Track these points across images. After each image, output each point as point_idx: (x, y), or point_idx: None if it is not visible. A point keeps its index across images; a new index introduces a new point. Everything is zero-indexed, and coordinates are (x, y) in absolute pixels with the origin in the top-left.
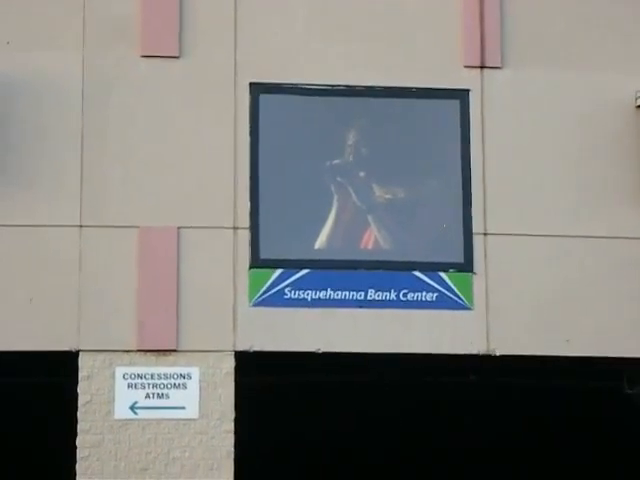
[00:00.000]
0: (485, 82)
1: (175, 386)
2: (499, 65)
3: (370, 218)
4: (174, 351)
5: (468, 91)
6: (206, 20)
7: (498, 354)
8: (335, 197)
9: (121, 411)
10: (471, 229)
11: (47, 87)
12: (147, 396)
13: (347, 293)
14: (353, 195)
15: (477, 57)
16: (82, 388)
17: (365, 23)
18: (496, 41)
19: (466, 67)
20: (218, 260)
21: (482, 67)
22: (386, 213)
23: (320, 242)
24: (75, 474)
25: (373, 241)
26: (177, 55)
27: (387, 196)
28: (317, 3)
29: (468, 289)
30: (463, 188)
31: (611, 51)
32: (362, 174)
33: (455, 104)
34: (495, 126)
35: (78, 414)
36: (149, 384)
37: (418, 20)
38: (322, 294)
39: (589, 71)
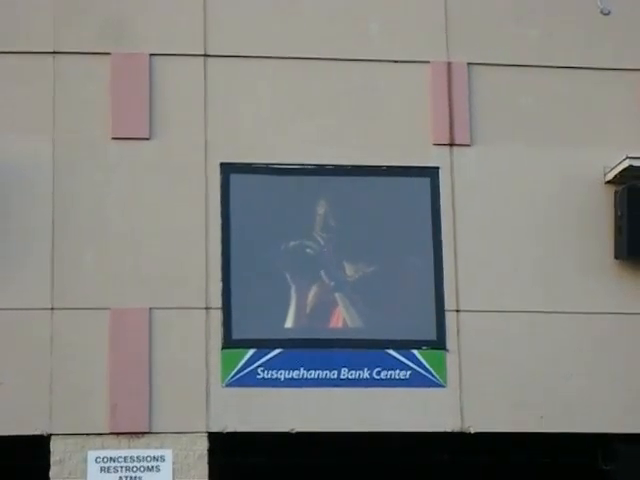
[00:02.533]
0: (454, 159)
1: (148, 469)
2: (468, 142)
3: (341, 297)
4: (147, 433)
5: (438, 169)
6: (176, 101)
7: (472, 432)
8: (307, 277)
9: None
10: (443, 306)
11: (18, 170)
12: (120, 479)
13: (320, 372)
14: (325, 274)
15: (446, 135)
16: (54, 472)
17: (335, 102)
18: (465, 119)
19: (435, 145)
20: (190, 340)
21: (451, 145)
22: (358, 291)
23: (292, 322)
24: None
25: (345, 320)
26: (147, 137)
27: (358, 274)
28: (287, 83)
29: (441, 367)
30: (435, 265)
31: (579, 127)
32: (333, 252)
33: (425, 182)
34: (465, 203)
35: None
36: (122, 467)
37: (387, 98)
38: (295, 374)
39: (558, 147)
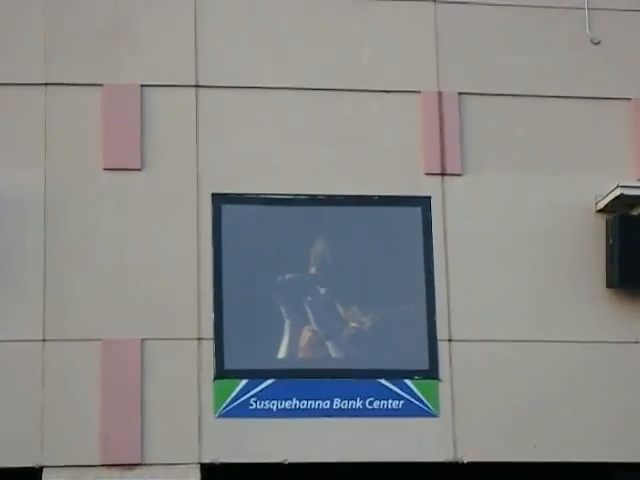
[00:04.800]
0: (446, 189)
1: None
2: (459, 172)
3: (338, 327)
4: (139, 465)
5: (429, 198)
6: (167, 132)
7: (465, 461)
8: (299, 307)
9: None
10: (436, 336)
11: (9, 201)
12: None
13: (313, 402)
14: (316, 304)
15: (437, 164)
16: None
17: (327, 132)
18: (456, 148)
19: (427, 174)
20: (182, 371)
21: (443, 174)
22: (352, 321)
23: (285, 352)
24: None
25: (337, 350)
26: (139, 168)
27: (351, 304)
28: (278, 113)
29: (434, 396)
30: (427, 294)
31: (570, 156)
32: (325, 283)
33: (417, 211)
34: (457, 232)
35: None
36: None
37: (379, 128)
38: (288, 404)
39: (549, 175)
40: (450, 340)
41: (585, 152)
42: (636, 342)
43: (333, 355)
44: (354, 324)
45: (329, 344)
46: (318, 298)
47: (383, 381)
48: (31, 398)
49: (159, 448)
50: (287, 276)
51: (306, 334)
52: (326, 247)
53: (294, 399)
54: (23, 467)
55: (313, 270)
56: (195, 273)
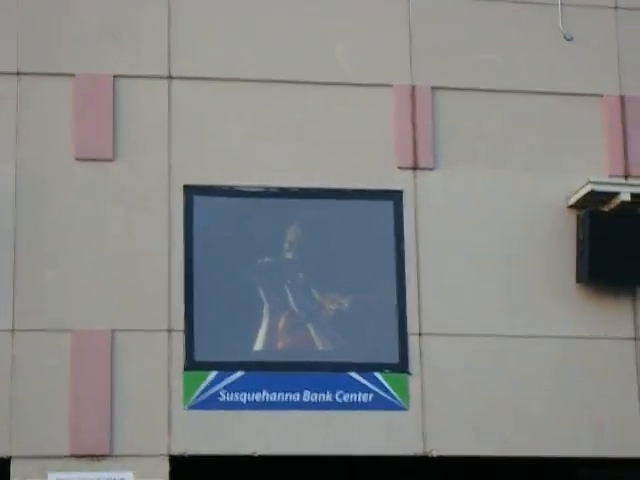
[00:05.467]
0: (418, 183)
1: None
2: (432, 166)
3: (306, 320)
4: (108, 456)
5: (401, 192)
6: (140, 123)
7: (435, 455)
8: (268, 299)
9: None
10: (406, 329)
11: None
12: None
13: (283, 395)
14: (287, 297)
15: (410, 158)
16: None
17: (299, 125)
18: (428, 142)
19: (399, 168)
20: (152, 363)
21: (415, 168)
22: (319, 314)
23: (255, 344)
24: None
25: (308, 343)
26: (111, 158)
27: (320, 297)
28: (251, 106)
29: (404, 389)
30: (398, 288)
31: (542, 151)
32: (296, 276)
33: (389, 205)
34: (429, 226)
35: None
36: None
37: (351, 122)
38: (257, 396)
39: (521, 171)
40: (420, 334)
41: (557, 148)
42: (605, 337)
43: (303, 347)
44: (323, 317)
45: (299, 335)
46: (288, 288)
47: (353, 374)
48: (0, 388)
49: (128, 439)
50: (258, 267)
51: (276, 325)
52: (297, 240)
53: (264, 391)
54: None
55: (283, 261)
56: (166, 264)
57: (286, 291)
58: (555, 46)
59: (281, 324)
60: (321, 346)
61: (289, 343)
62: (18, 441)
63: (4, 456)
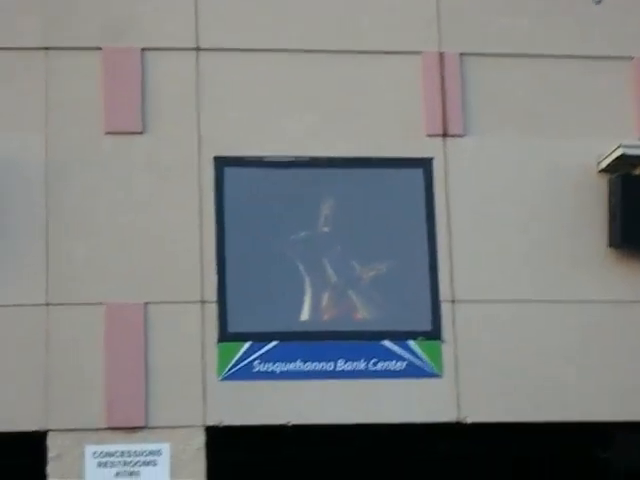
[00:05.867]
0: (448, 150)
1: (145, 463)
2: (461, 133)
3: (340, 289)
4: (143, 428)
5: (431, 159)
6: (169, 95)
7: (469, 422)
8: (300, 268)
9: None
10: (438, 297)
11: (9, 167)
12: (117, 474)
13: (317, 364)
14: (320, 266)
15: (439, 126)
16: (51, 468)
17: (328, 94)
18: (458, 109)
19: (428, 136)
20: (186, 334)
21: (444, 135)
22: (353, 283)
23: (288, 314)
24: None
25: (339, 312)
26: (141, 131)
27: (353, 267)
28: (279, 76)
29: (437, 357)
30: (429, 256)
31: (572, 116)
32: (328, 245)
33: (419, 173)
34: (459, 193)
35: None
36: (119, 462)
37: (380, 90)
38: (291, 366)
39: (551, 136)
40: (453, 301)
41: (587, 112)
42: (637, 300)
43: (337, 317)
44: (356, 286)
45: (333, 304)
46: (321, 258)
47: (386, 342)
48: (35, 362)
49: (163, 411)
50: (288, 237)
51: (309, 294)
52: (328, 209)
53: (298, 361)
54: (28, 431)
55: (314, 231)
56: (198, 236)
57: (320, 260)
58: (584, 9)
59: (315, 295)
60: (355, 315)
61: (323, 313)
62: (54, 414)
63: (41, 429)
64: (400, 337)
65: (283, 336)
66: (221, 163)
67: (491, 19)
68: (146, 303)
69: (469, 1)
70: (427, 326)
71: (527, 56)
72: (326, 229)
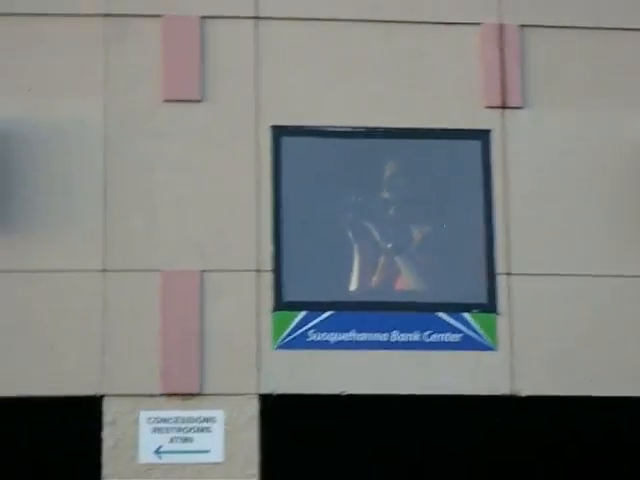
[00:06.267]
0: (506, 122)
1: (199, 430)
2: (520, 105)
3: (395, 260)
4: (198, 395)
5: (489, 131)
6: (227, 64)
7: (524, 395)
8: (358, 239)
9: (145, 456)
10: (494, 269)
11: (68, 133)
12: (172, 440)
13: (371, 335)
14: (376, 237)
15: (498, 97)
16: (106, 433)
17: (385, 65)
18: (517, 81)
19: (487, 108)
20: (241, 303)
21: (503, 107)
22: (409, 255)
23: (344, 284)
24: None
25: (396, 283)
26: (199, 99)
27: (409, 238)
28: (338, 46)
29: (492, 330)
30: (486, 228)
31: (635, 90)
32: (386, 216)
33: (477, 144)
34: (517, 165)
35: (102, 459)
36: (173, 428)
37: (438, 61)
38: (346, 336)
39: (612, 109)
40: (509, 274)
41: None
42: None
43: (393, 288)
44: (412, 257)
45: (389, 275)
46: (378, 229)
47: (442, 314)
48: (91, 327)
49: (218, 379)
50: (345, 207)
51: (366, 265)
52: (385, 180)
53: (352, 331)
54: (84, 395)
55: (372, 202)
56: (254, 205)
57: (376, 232)
58: None
59: (371, 265)
60: (409, 286)
61: (379, 284)
62: (110, 380)
63: (96, 394)
64: (455, 309)
65: (338, 306)
66: (278, 132)
67: None
68: (202, 271)
69: None
70: (482, 299)
71: (588, 28)
72: (382, 200)
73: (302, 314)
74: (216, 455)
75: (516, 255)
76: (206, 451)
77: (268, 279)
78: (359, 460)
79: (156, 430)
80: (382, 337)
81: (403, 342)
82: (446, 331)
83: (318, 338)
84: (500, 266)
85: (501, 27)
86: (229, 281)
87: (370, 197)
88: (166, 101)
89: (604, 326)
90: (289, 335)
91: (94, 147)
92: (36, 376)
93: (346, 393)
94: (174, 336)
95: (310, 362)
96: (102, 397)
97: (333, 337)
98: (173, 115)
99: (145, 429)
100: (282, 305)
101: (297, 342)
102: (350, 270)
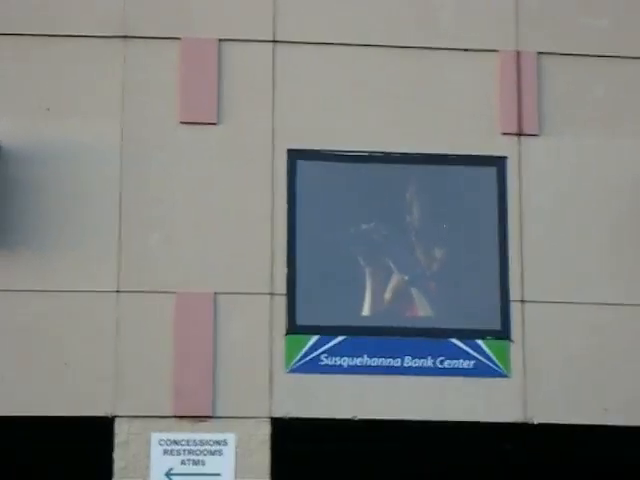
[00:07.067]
0: (522, 149)
1: (211, 452)
2: (536, 132)
3: (409, 286)
4: (210, 417)
5: (505, 158)
6: (244, 87)
7: (535, 422)
8: (371, 264)
9: (157, 477)
10: (508, 296)
11: (85, 153)
12: (183, 462)
13: (384, 360)
14: (390, 263)
15: (514, 124)
16: (118, 454)
17: (403, 90)
18: (533, 108)
19: (503, 134)
20: (254, 326)
21: (519, 134)
22: (423, 281)
23: (357, 309)
24: None
25: (409, 309)
26: (215, 122)
27: (423, 264)
28: (355, 70)
29: (505, 356)
30: (500, 255)
31: None
32: (400, 242)
33: (492, 171)
34: (532, 192)
35: None
36: (185, 450)
37: (455, 87)
38: (358, 361)
39: (628, 138)
40: (523, 301)
41: None
42: None
43: (405, 313)
44: (427, 282)
45: (402, 301)
46: (392, 254)
47: (455, 340)
48: (105, 348)
49: (230, 401)
50: (362, 232)
51: (379, 290)
52: (400, 205)
53: (365, 356)
54: (95, 416)
55: (386, 227)
56: (269, 228)
57: (388, 257)
58: None
59: (383, 290)
60: (423, 312)
61: (391, 309)
62: (122, 401)
63: (108, 415)
64: (468, 336)
65: (350, 330)
66: (294, 156)
67: (570, 18)
68: (216, 293)
69: (548, 0)
70: (496, 325)
71: (605, 57)
72: (397, 225)
73: (315, 338)
74: (227, 478)
75: (530, 283)
76: (217, 474)
77: (281, 302)
78: None
79: (167, 452)
80: (395, 362)
81: (416, 367)
82: (459, 357)
83: (330, 362)
84: (514, 293)
85: (518, 54)
86: (243, 304)
87: (385, 222)
88: (182, 123)
89: (617, 355)
90: (301, 359)
91: (111, 168)
92: (49, 396)
93: (358, 418)
94: (187, 358)
95: (322, 386)
96: (114, 418)
97: (345, 362)
98: (190, 137)
99: (156, 451)
100: (295, 329)
101: (309, 366)
102: (363, 295)
